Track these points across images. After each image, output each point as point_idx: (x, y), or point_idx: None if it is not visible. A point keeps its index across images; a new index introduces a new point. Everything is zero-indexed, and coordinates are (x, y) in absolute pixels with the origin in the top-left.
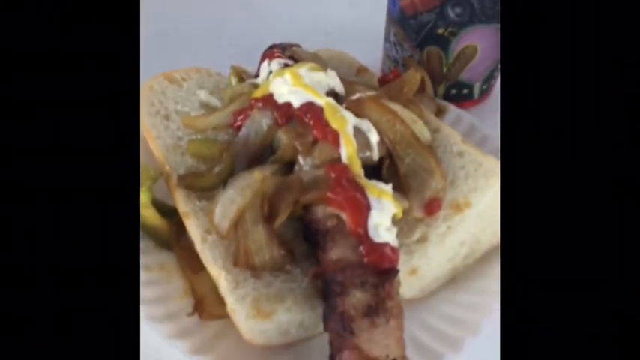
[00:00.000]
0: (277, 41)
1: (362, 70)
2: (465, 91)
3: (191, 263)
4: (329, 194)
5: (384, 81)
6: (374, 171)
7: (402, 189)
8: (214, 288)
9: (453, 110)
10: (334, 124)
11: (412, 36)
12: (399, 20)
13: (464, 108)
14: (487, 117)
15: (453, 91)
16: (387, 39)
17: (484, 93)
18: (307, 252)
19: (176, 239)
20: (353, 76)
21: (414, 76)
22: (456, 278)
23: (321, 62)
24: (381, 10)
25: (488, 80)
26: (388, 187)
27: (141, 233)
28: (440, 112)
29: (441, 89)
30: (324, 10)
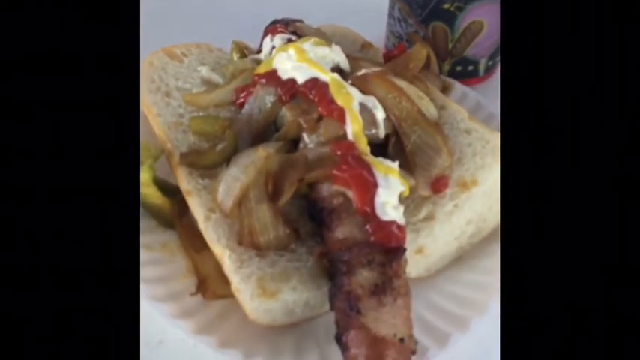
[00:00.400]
0: (278, 17)
1: (366, 45)
2: (471, 67)
3: (194, 242)
4: (334, 172)
5: (389, 57)
6: (379, 148)
7: (408, 167)
8: (218, 267)
9: (458, 87)
10: (340, 101)
11: (417, 11)
12: None
13: (469, 85)
14: (492, 94)
15: (458, 68)
16: (390, 14)
17: (489, 70)
18: (312, 230)
19: (178, 218)
20: (357, 52)
21: (420, 52)
22: (462, 257)
23: (325, 37)
24: None
25: (493, 57)
26: (395, 165)
27: (142, 212)
28: (445, 90)
29: (446, 66)
30: None
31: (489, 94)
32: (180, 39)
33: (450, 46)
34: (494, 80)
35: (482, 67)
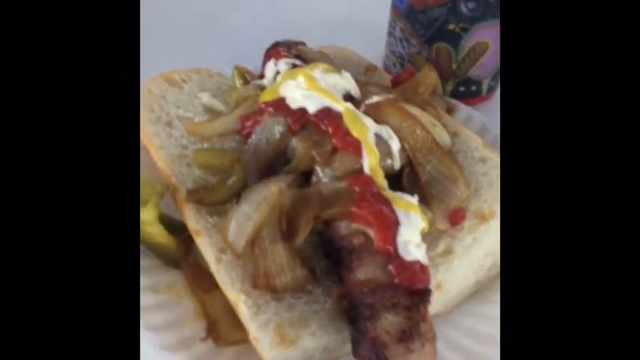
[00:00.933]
0: (272, 36)
1: (370, 68)
2: (474, 88)
3: (201, 282)
4: (353, 209)
5: (397, 81)
6: (393, 179)
7: (423, 198)
8: (227, 308)
9: (462, 109)
10: (355, 133)
11: (421, 32)
12: (407, 15)
13: (471, 105)
14: (494, 113)
15: (461, 89)
16: (391, 34)
17: (492, 89)
18: (327, 268)
19: (184, 257)
20: (361, 75)
21: (429, 76)
22: (479, 290)
23: (330, 61)
24: (377, 1)
25: (496, 76)
26: (415, 200)
27: (147, 251)
28: (449, 111)
29: (449, 86)
30: (318, 2)
31: (491, 113)
32: (174, 62)
33: (454, 66)
34: (495, 98)
35: (484, 87)
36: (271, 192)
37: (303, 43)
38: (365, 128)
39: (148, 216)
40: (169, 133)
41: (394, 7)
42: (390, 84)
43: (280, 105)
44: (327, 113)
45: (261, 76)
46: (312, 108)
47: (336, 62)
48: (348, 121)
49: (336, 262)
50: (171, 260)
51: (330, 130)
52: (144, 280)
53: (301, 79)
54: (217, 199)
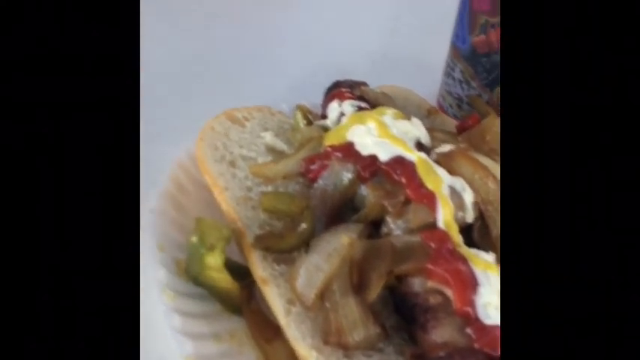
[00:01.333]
0: (322, 71)
1: (432, 111)
2: None
3: (263, 331)
4: (429, 266)
5: (462, 127)
6: (462, 232)
7: (494, 253)
8: (291, 358)
9: None
10: (429, 185)
11: (482, 74)
12: (469, 57)
13: None
14: None
15: None
16: (449, 74)
17: None
18: (397, 325)
19: (247, 303)
20: (423, 118)
21: (494, 124)
22: None
23: (394, 104)
24: (424, 37)
25: None
26: (492, 258)
27: (208, 295)
28: None
29: None
30: (367, 37)
31: None
32: (222, 98)
33: None
34: None
35: None
36: (342, 243)
37: (364, 84)
38: (439, 180)
39: (214, 262)
40: (233, 174)
41: (454, 48)
42: (454, 129)
43: (349, 150)
44: (400, 162)
45: (323, 116)
46: (384, 156)
47: (397, 102)
48: (422, 172)
49: (409, 320)
50: (233, 306)
51: (404, 180)
52: (206, 327)
53: (372, 125)
54: (286, 247)
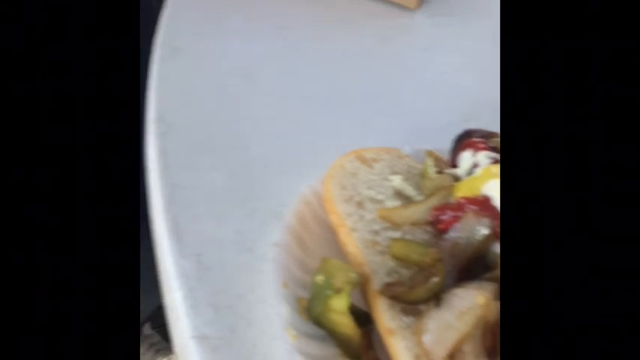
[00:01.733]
0: (443, 115)
1: None
2: None
3: None
4: None
5: None
6: None
7: None
8: None
9: None
10: None
11: None
12: None
13: None
14: None
15: None
16: None
17: None
18: None
19: (366, 351)
20: None
21: None
22: None
23: None
24: None
25: None
26: None
27: (326, 338)
28: None
29: None
30: (488, 83)
31: None
32: (339, 129)
33: None
34: None
35: None
36: (477, 302)
37: (497, 135)
38: None
39: (339, 305)
40: (361, 215)
41: None
42: None
43: (485, 205)
44: None
45: (453, 165)
46: None
47: None
48: None
49: None
50: (353, 353)
51: None
52: None
53: None
54: (415, 299)
